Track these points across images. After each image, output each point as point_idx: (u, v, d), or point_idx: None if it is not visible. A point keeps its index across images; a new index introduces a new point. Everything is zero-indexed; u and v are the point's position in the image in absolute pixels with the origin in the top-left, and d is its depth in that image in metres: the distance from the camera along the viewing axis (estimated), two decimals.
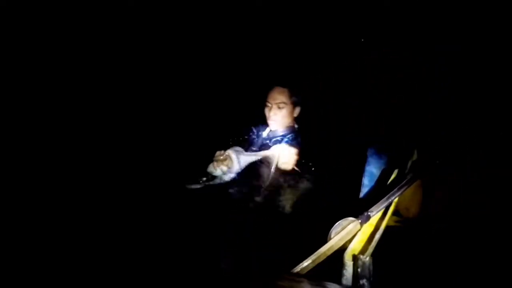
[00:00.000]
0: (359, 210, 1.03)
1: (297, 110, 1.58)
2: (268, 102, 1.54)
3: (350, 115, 2.14)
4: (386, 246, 0.98)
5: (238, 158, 1.25)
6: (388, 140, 1.67)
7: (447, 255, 1.06)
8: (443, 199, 1.22)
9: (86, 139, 1.80)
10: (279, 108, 1.52)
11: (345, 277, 0.95)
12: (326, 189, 1.67)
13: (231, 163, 1.25)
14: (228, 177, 1.25)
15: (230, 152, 1.27)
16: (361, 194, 1.16)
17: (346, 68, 2.07)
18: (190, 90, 2.15)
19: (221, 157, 1.29)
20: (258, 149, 1.52)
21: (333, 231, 0.99)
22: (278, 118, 1.53)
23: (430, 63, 1.82)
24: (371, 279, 0.91)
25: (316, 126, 1.83)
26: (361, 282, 0.91)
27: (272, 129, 1.55)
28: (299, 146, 1.48)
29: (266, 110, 1.55)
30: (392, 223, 1.01)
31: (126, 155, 1.83)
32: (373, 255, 0.95)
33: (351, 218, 0.99)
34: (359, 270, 0.93)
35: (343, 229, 0.99)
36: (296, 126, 1.61)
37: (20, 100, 1.73)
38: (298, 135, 1.56)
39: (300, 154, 1.44)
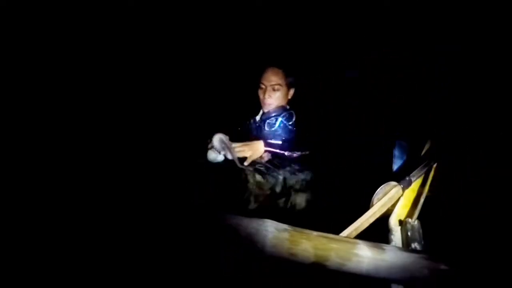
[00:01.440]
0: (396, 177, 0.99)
1: (292, 92, 1.53)
2: (262, 83, 1.47)
3: (350, 115, 2.14)
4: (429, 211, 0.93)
5: (221, 144, 1.25)
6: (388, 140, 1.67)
7: None
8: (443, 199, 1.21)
9: (85, 137, 1.70)
10: (274, 90, 1.46)
11: (393, 242, 0.88)
12: (326, 189, 1.62)
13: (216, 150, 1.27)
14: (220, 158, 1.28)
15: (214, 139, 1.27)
16: (394, 165, 1.12)
17: (346, 68, 2.08)
18: (185, 82, 2.08)
19: (209, 146, 1.29)
20: (253, 135, 1.49)
21: (375, 197, 0.94)
22: (273, 100, 1.47)
23: (430, 63, 1.88)
24: (422, 242, 0.86)
25: (316, 126, 1.79)
26: (412, 245, 0.85)
27: (265, 112, 1.50)
28: (293, 127, 1.46)
29: (260, 92, 1.49)
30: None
31: (124, 146, 1.71)
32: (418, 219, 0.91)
33: (393, 183, 0.94)
34: (409, 233, 0.87)
35: (385, 195, 0.94)
36: (287, 107, 1.55)
37: (20, 100, 1.66)
38: (292, 115, 1.50)
39: (296, 139, 1.42)
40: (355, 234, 0.91)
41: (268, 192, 1.27)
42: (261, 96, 1.49)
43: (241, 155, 1.27)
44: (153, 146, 1.81)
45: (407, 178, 0.95)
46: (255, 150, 1.30)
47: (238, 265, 0.91)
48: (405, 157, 1.10)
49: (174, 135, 1.80)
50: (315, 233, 0.78)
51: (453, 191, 1.20)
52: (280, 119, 1.48)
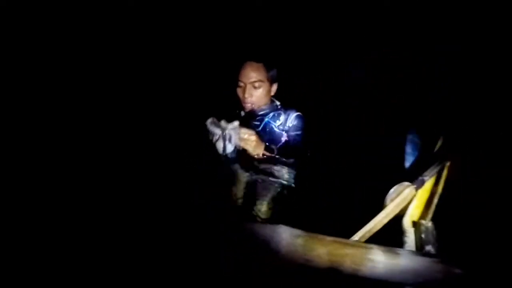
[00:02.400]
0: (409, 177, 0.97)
1: (275, 87, 1.36)
2: (241, 81, 1.29)
3: (350, 115, 2.12)
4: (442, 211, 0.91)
5: (212, 125, 1.16)
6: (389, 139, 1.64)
7: None
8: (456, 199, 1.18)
9: (84, 137, 1.67)
10: (254, 87, 1.28)
11: (407, 244, 0.86)
12: (326, 189, 1.60)
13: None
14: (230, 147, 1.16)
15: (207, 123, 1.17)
16: (406, 162, 1.10)
17: (350, 68, 2.06)
18: (185, 82, 2.05)
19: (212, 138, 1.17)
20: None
21: (388, 198, 0.91)
22: (254, 99, 1.30)
23: (430, 63, 1.86)
24: (436, 244, 0.83)
25: (316, 126, 1.76)
26: (426, 248, 0.82)
27: (247, 112, 1.34)
28: (283, 126, 1.33)
29: (239, 91, 1.31)
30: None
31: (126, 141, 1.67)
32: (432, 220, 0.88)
33: (406, 183, 0.92)
34: (422, 236, 0.85)
35: (398, 195, 0.91)
36: (277, 103, 1.40)
37: (20, 100, 1.63)
38: (281, 112, 1.35)
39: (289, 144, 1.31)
40: (368, 235, 0.88)
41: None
42: (240, 95, 1.32)
43: (243, 144, 1.13)
44: (153, 146, 1.78)
45: (420, 178, 0.93)
46: (258, 147, 1.17)
47: (238, 265, 0.87)
48: (417, 156, 1.07)
49: (172, 135, 1.75)
50: (329, 238, 0.75)
51: (467, 191, 1.17)
52: (265, 119, 1.34)
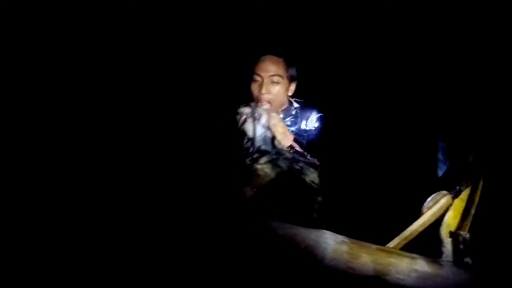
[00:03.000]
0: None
1: (293, 87, 1.26)
2: (258, 74, 1.17)
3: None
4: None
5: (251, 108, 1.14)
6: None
7: None
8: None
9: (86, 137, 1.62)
10: (273, 83, 1.17)
11: (444, 255, 0.85)
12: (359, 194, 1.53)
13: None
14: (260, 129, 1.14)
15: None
16: (439, 171, 1.09)
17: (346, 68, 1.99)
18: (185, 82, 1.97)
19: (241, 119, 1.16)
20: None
21: (426, 205, 0.90)
22: (272, 96, 1.18)
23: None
24: (474, 256, 0.83)
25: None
26: (465, 259, 0.82)
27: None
28: (300, 130, 1.25)
29: (254, 86, 1.19)
30: None
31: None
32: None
33: (443, 192, 0.91)
34: (461, 247, 0.84)
35: (435, 203, 0.90)
36: (294, 106, 1.28)
37: (20, 100, 1.59)
38: (298, 116, 1.26)
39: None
40: (404, 243, 0.88)
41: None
42: (255, 91, 1.19)
43: (273, 128, 1.09)
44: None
45: (457, 188, 0.92)
46: (287, 137, 1.13)
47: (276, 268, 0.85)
48: (451, 164, 1.06)
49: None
50: (374, 246, 0.74)
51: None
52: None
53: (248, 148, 1.18)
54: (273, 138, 1.17)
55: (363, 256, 0.72)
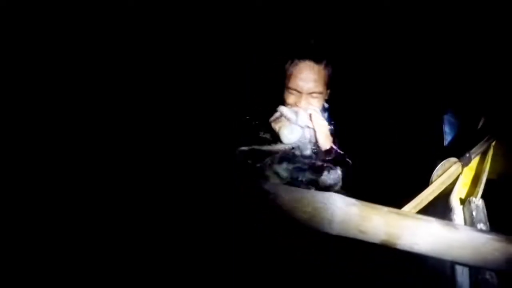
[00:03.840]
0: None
1: (329, 91, 1.15)
2: (293, 89, 1.04)
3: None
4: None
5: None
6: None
7: None
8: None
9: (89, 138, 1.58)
10: (312, 98, 1.05)
11: (455, 222, 0.81)
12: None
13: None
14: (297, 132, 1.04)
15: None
16: (445, 142, 1.05)
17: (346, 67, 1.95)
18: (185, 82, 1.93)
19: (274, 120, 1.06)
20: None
21: (435, 174, 0.86)
22: (312, 108, 1.07)
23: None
24: (488, 223, 0.79)
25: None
26: (478, 226, 0.78)
27: None
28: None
29: (289, 99, 1.07)
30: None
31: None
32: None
33: (453, 159, 0.87)
34: (473, 213, 0.80)
35: (444, 171, 0.86)
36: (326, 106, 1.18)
37: (20, 100, 1.55)
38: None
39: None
40: (414, 212, 0.83)
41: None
42: (291, 102, 1.08)
43: (317, 128, 1.00)
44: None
45: (467, 155, 0.88)
46: (328, 138, 1.04)
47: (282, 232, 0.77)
48: (457, 133, 1.03)
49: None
50: (385, 208, 0.69)
51: None
52: None
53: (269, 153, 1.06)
54: (312, 140, 1.07)
55: (375, 219, 0.67)
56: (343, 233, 0.67)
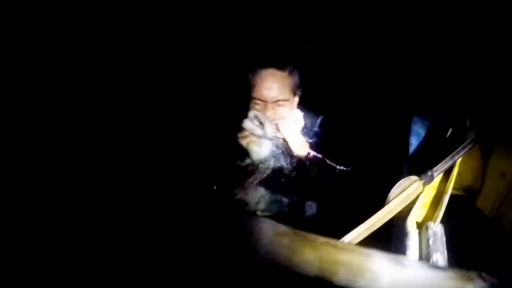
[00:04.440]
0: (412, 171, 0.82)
1: (297, 99, 1.11)
2: (257, 99, 1.00)
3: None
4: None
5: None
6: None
7: None
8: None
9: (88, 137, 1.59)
10: (278, 106, 1.01)
11: (410, 250, 0.72)
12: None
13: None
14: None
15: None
16: (411, 155, 0.96)
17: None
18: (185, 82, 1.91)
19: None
20: None
21: (392, 193, 0.77)
22: (279, 117, 1.03)
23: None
24: (445, 252, 0.70)
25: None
26: (434, 256, 0.69)
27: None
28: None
29: (256, 108, 1.03)
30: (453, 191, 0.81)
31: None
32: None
33: (414, 177, 0.78)
34: (430, 242, 0.71)
35: (403, 190, 0.77)
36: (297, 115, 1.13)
37: (20, 100, 1.57)
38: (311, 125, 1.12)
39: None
40: (366, 234, 0.74)
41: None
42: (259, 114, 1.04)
43: (287, 136, 0.97)
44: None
45: (429, 173, 0.78)
46: (303, 145, 1.00)
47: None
48: (424, 148, 0.93)
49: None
50: (321, 239, 0.60)
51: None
52: None
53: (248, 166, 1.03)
54: (285, 151, 1.02)
55: (307, 252, 0.58)
56: (271, 264, 0.58)
